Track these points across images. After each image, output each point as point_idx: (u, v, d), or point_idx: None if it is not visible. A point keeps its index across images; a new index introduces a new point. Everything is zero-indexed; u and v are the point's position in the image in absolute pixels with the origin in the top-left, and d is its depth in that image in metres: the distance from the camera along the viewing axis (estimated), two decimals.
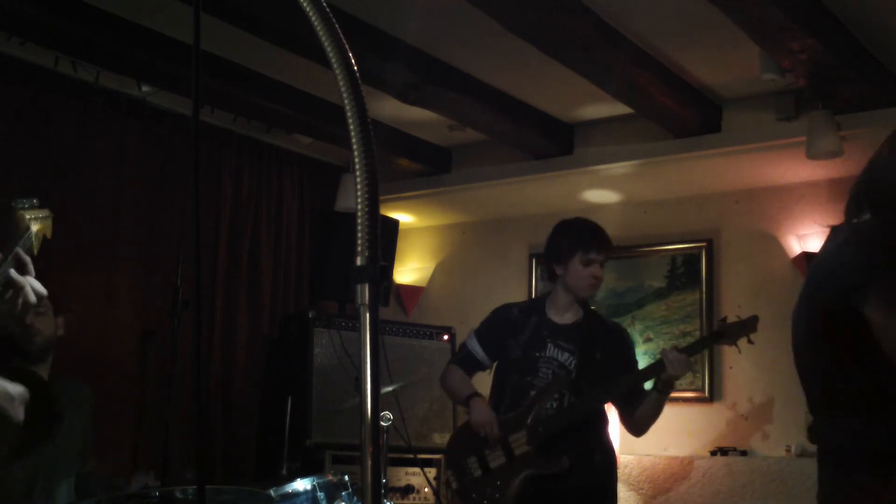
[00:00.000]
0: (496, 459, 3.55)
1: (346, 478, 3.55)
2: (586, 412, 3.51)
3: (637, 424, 3.63)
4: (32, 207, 1.67)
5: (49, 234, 1.73)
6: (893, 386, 1.83)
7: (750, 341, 3.54)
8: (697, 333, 5.60)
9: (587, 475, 3.50)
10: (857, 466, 1.88)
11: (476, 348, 3.72)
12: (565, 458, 3.45)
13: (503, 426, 3.54)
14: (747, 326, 3.54)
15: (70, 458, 3.23)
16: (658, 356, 3.48)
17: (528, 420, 3.51)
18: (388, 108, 5.12)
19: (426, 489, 5.22)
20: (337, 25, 0.97)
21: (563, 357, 3.56)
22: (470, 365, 3.74)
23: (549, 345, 3.58)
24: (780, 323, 4.86)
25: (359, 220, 0.92)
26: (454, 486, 3.65)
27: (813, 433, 2.11)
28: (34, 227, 1.64)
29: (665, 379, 3.44)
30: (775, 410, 5.30)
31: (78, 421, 3.30)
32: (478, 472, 3.58)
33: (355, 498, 3.55)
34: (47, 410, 1.47)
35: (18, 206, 1.66)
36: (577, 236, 3.59)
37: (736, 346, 3.54)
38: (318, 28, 0.94)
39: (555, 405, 3.52)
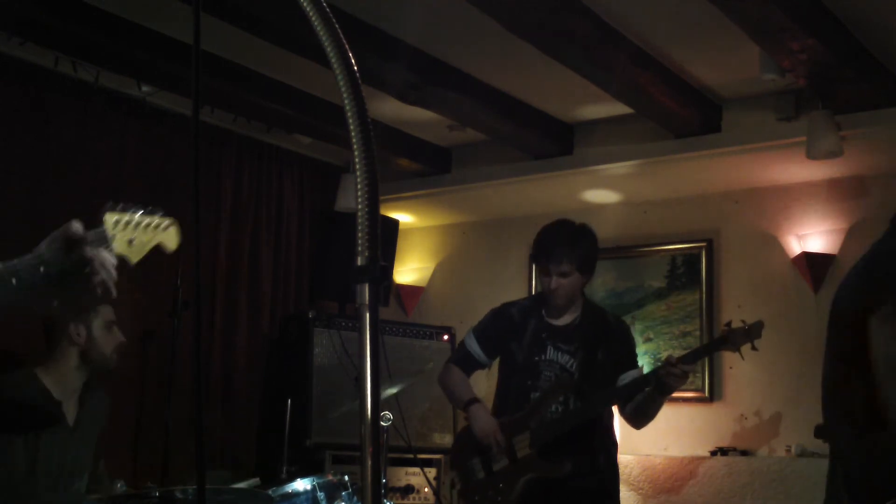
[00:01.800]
0: (499, 461, 3.55)
1: (346, 478, 3.55)
2: (590, 416, 3.51)
3: (637, 420, 3.63)
4: (124, 211, 1.54)
5: (169, 245, 1.62)
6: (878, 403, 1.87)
7: (754, 347, 3.50)
8: (697, 333, 5.61)
9: (591, 476, 3.50)
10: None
11: (475, 347, 3.71)
12: (567, 462, 3.45)
13: (507, 428, 3.53)
14: (752, 332, 3.49)
15: (88, 458, 3.29)
16: (659, 358, 3.46)
17: (532, 423, 3.51)
18: (388, 108, 5.12)
19: (426, 489, 5.22)
20: (337, 25, 0.97)
21: (564, 359, 3.55)
22: (469, 365, 3.74)
23: (548, 347, 3.57)
24: (781, 323, 4.89)
25: (359, 220, 0.92)
26: (458, 487, 3.65)
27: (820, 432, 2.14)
28: (127, 234, 1.52)
29: (666, 386, 3.43)
30: (775, 410, 5.30)
31: (97, 423, 3.37)
32: (481, 474, 3.58)
33: (355, 498, 3.56)
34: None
35: (109, 209, 1.53)
36: (532, 249, 3.64)
37: (739, 352, 3.50)
38: (318, 28, 0.94)
39: (560, 409, 3.51)
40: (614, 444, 3.66)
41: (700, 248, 5.71)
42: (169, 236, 1.63)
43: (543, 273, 3.55)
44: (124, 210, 1.54)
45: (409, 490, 5.25)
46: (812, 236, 5.32)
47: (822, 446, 4.90)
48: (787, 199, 5.46)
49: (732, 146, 5.04)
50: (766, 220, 5.51)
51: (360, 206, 0.91)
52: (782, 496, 5.00)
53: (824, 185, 5.35)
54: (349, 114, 0.93)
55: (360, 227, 0.91)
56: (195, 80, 0.95)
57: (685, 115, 4.95)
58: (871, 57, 4.43)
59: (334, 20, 0.95)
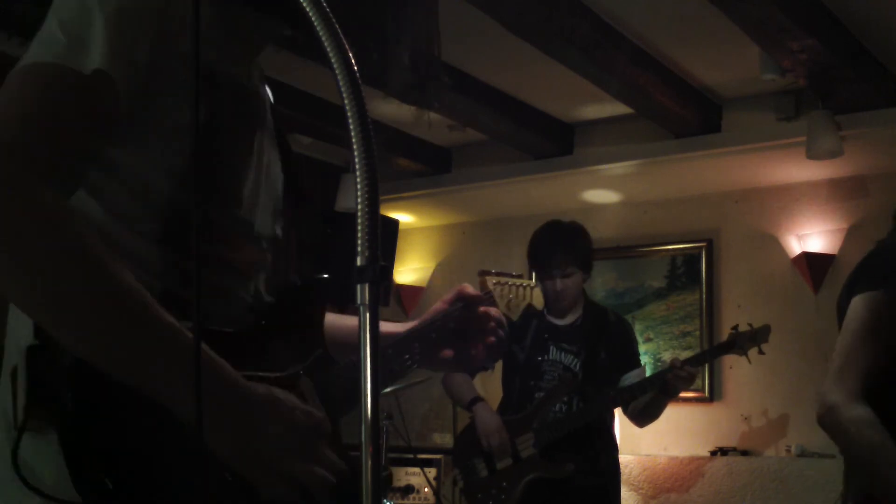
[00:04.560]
0: (503, 461, 3.55)
1: None
2: (594, 417, 3.51)
3: (640, 420, 3.64)
4: (500, 275, 1.69)
5: (538, 304, 1.74)
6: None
7: (761, 351, 3.51)
8: (697, 333, 5.61)
9: (593, 477, 3.50)
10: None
11: None
12: (570, 463, 3.45)
13: (510, 428, 3.54)
14: (759, 336, 3.51)
15: None
16: (659, 358, 3.46)
17: (535, 423, 3.51)
18: (388, 109, 5.11)
19: (426, 489, 5.22)
20: (337, 25, 0.97)
21: (567, 359, 3.56)
22: None
23: (551, 348, 3.58)
24: (780, 323, 4.88)
25: (359, 220, 0.91)
26: (460, 484, 3.66)
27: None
28: (506, 296, 1.65)
29: (672, 388, 3.44)
30: (775, 410, 5.30)
31: None
32: (484, 473, 3.58)
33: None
34: None
35: (486, 274, 1.67)
36: (528, 254, 3.63)
37: (746, 356, 3.51)
38: (319, 28, 0.94)
39: (564, 409, 3.52)
40: (615, 445, 3.66)
41: (700, 248, 5.71)
42: (536, 295, 1.73)
43: (545, 276, 3.55)
44: (500, 275, 1.67)
45: (409, 490, 5.24)
46: (812, 236, 5.32)
47: (822, 446, 4.90)
48: (787, 199, 5.46)
49: (732, 146, 5.04)
50: (766, 220, 5.51)
51: (360, 206, 0.91)
52: (782, 496, 5.00)
53: (824, 185, 5.35)
54: (349, 114, 0.93)
55: (360, 227, 0.91)
56: (195, 79, 0.95)
57: (685, 115, 4.95)
58: (871, 57, 4.43)
59: (334, 20, 0.95)
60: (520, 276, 1.69)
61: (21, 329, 1.11)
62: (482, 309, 1.51)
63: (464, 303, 1.50)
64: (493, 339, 1.49)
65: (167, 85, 1.15)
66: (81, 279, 1.03)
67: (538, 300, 1.72)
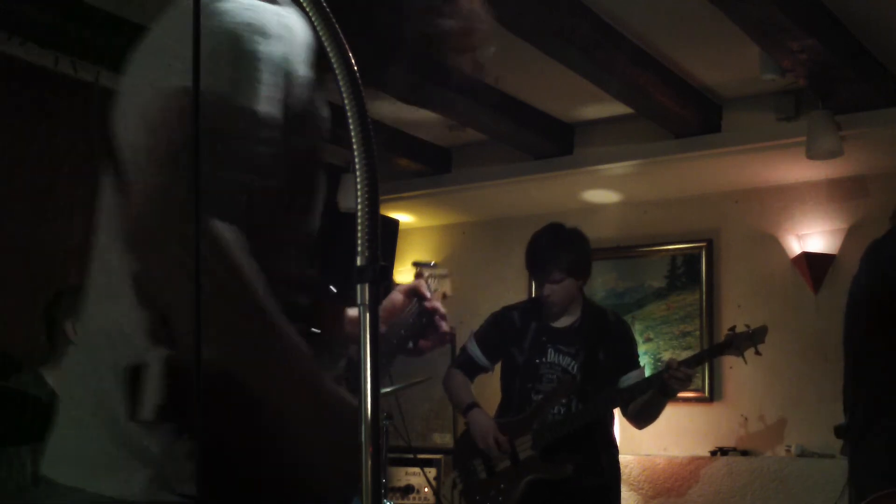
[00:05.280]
0: (501, 462, 3.55)
1: None
2: (593, 419, 3.52)
3: (639, 422, 3.64)
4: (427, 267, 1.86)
5: (448, 292, 1.88)
6: None
7: (757, 352, 3.52)
8: (697, 333, 5.61)
9: (593, 477, 3.50)
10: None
11: (476, 352, 3.73)
12: (569, 465, 3.45)
13: (509, 429, 3.54)
14: (755, 337, 3.51)
15: None
16: (659, 358, 3.46)
17: (534, 424, 3.51)
18: (388, 109, 5.11)
19: (426, 489, 5.22)
20: (337, 25, 0.97)
21: (566, 361, 3.56)
22: (470, 369, 3.75)
23: (549, 350, 3.58)
24: (780, 323, 4.89)
25: (359, 220, 0.91)
26: (459, 486, 3.66)
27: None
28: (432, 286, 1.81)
29: (669, 389, 3.44)
30: (775, 411, 5.30)
31: None
32: (483, 475, 3.58)
33: (355, 498, 3.55)
34: None
35: (419, 265, 1.84)
36: (525, 257, 3.63)
37: (742, 357, 3.52)
38: (319, 28, 0.94)
39: (563, 410, 3.52)
40: (615, 445, 3.66)
41: (700, 248, 5.71)
42: (446, 284, 1.92)
43: (537, 281, 3.58)
44: (425, 266, 1.85)
45: (409, 490, 5.25)
46: (812, 236, 5.32)
47: (822, 446, 4.91)
48: (787, 199, 5.46)
49: (732, 146, 5.04)
50: (766, 220, 5.51)
51: (360, 206, 0.91)
52: (782, 496, 5.00)
53: (824, 185, 5.35)
54: (349, 114, 0.93)
55: (360, 227, 0.91)
56: (195, 79, 0.95)
57: (685, 115, 4.94)
58: (871, 57, 4.43)
59: (334, 20, 0.95)
60: (436, 267, 1.87)
61: (108, 315, 1.17)
62: (427, 304, 1.68)
63: (418, 297, 1.68)
64: (441, 331, 1.67)
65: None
66: (237, 305, 1.13)
67: (448, 288, 1.88)
